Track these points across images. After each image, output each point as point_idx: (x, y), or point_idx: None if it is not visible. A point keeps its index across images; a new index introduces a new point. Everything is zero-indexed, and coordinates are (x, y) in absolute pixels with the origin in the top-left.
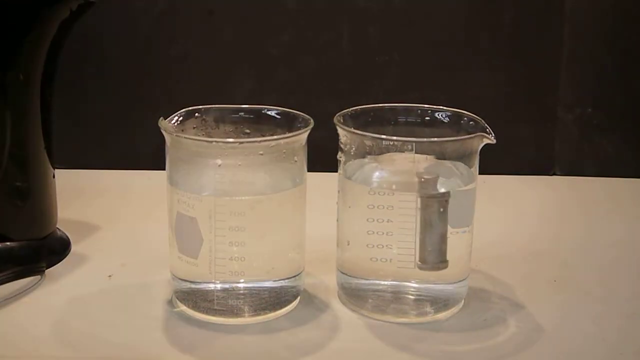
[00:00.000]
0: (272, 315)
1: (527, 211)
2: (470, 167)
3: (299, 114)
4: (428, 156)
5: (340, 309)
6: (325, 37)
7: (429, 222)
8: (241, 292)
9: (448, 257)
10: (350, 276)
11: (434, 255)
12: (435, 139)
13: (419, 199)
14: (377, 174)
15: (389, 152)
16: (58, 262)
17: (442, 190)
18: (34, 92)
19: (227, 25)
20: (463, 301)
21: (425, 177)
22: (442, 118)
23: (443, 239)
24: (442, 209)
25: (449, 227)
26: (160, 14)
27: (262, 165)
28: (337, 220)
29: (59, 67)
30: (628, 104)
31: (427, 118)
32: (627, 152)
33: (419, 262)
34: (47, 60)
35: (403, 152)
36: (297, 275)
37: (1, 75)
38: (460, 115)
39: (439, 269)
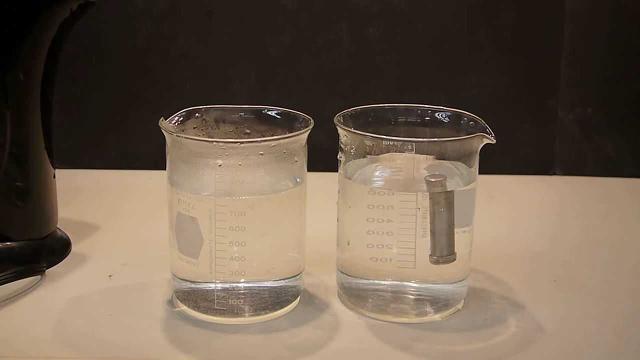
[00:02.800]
0: (272, 315)
1: (527, 211)
2: (470, 167)
3: (299, 114)
4: (428, 156)
5: (340, 309)
6: (325, 37)
7: (439, 216)
8: (241, 292)
9: None
10: (350, 276)
11: (444, 251)
12: (435, 139)
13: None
14: (377, 174)
15: (389, 152)
16: (58, 262)
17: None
18: (34, 92)
19: (226, 26)
20: (463, 301)
21: (432, 179)
22: (442, 118)
23: (452, 231)
24: (450, 204)
25: None
26: (160, 14)
27: (262, 165)
28: (337, 220)
29: (59, 67)
30: (628, 104)
31: (427, 118)
32: (627, 152)
33: (432, 256)
34: (47, 60)
35: (403, 152)
36: (297, 275)
37: (1, 75)
38: (460, 115)
39: (451, 261)
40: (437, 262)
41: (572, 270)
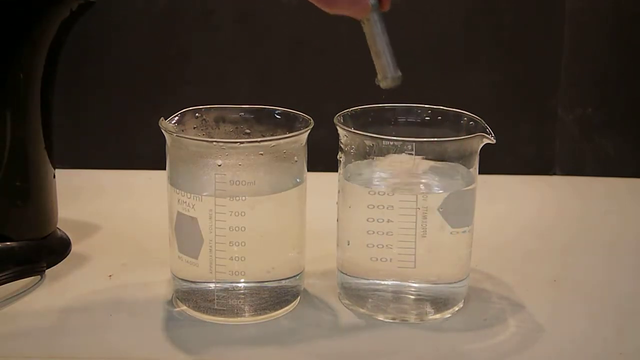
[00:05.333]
0: (272, 315)
1: (527, 211)
2: (470, 167)
3: (299, 114)
4: (428, 156)
5: (340, 309)
6: (325, 37)
7: (378, 35)
8: (241, 291)
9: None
10: (350, 276)
11: (391, 68)
12: (435, 139)
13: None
14: (377, 174)
15: (389, 152)
16: (58, 262)
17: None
18: (34, 92)
19: (227, 25)
20: (463, 301)
21: None
22: (442, 118)
23: (391, 49)
24: (383, 20)
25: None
26: (160, 14)
27: (262, 165)
28: (337, 220)
29: (59, 67)
30: (628, 104)
31: (427, 118)
32: (627, 152)
33: (380, 80)
34: (47, 60)
35: (403, 152)
36: (297, 275)
37: (1, 75)
38: (460, 115)
39: (399, 80)
40: (388, 84)
41: (572, 270)
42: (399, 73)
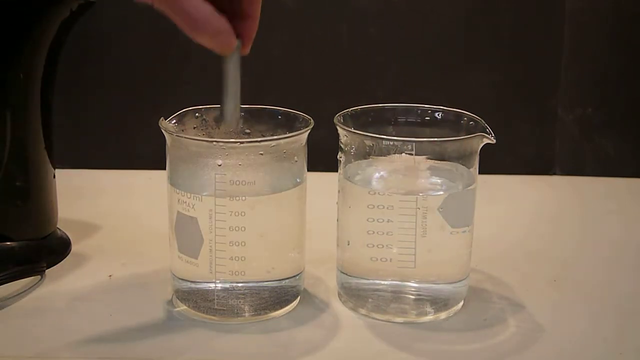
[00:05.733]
0: (272, 315)
1: (527, 211)
2: (470, 167)
3: (299, 114)
4: (428, 156)
5: (340, 309)
6: (325, 37)
7: (231, 78)
8: (241, 291)
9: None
10: (350, 276)
11: (235, 116)
12: (435, 139)
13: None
14: (377, 174)
15: (389, 152)
16: (58, 262)
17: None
18: (34, 92)
19: None
20: (463, 301)
21: None
22: (442, 118)
23: (239, 98)
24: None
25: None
26: (160, 14)
27: (262, 165)
28: (337, 220)
29: (59, 67)
30: (628, 104)
31: (427, 118)
32: (627, 152)
33: (223, 126)
34: (47, 60)
35: (403, 152)
36: (297, 275)
37: (1, 75)
38: (460, 115)
39: (239, 125)
40: (227, 128)
41: (572, 270)
42: (240, 125)
